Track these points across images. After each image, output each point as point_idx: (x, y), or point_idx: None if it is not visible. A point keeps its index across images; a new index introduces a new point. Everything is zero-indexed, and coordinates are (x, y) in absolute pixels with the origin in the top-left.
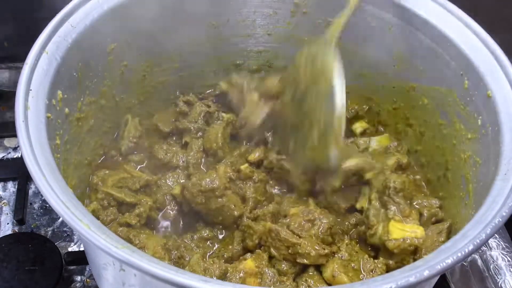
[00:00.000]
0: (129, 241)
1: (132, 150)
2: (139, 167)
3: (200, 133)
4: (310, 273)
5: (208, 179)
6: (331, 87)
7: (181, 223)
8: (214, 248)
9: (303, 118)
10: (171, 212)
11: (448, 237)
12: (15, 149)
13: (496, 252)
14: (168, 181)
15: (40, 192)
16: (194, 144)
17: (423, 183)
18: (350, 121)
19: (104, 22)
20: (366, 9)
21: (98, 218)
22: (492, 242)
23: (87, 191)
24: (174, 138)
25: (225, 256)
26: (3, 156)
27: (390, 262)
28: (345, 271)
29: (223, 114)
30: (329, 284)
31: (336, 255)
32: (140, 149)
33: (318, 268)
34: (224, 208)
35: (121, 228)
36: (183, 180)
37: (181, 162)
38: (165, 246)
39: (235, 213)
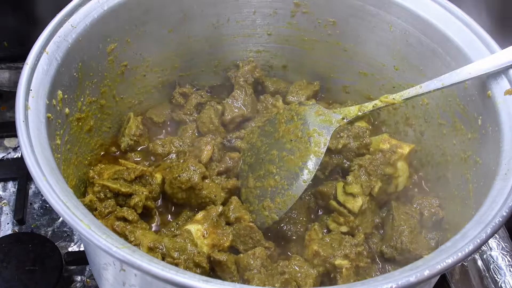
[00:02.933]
0: (125, 237)
1: (132, 148)
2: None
3: (194, 118)
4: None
5: (185, 174)
6: (303, 166)
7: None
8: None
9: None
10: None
11: None
12: (15, 149)
13: (496, 252)
14: None
15: (40, 192)
16: (189, 127)
17: (423, 183)
18: (350, 121)
19: (104, 22)
20: (366, 9)
21: (95, 210)
22: (492, 242)
23: (84, 186)
24: (169, 129)
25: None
26: (3, 156)
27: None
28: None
29: (218, 106)
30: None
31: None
32: (140, 147)
33: None
34: (206, 199)
35: (117, 222)
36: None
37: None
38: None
39: (217, 201)
